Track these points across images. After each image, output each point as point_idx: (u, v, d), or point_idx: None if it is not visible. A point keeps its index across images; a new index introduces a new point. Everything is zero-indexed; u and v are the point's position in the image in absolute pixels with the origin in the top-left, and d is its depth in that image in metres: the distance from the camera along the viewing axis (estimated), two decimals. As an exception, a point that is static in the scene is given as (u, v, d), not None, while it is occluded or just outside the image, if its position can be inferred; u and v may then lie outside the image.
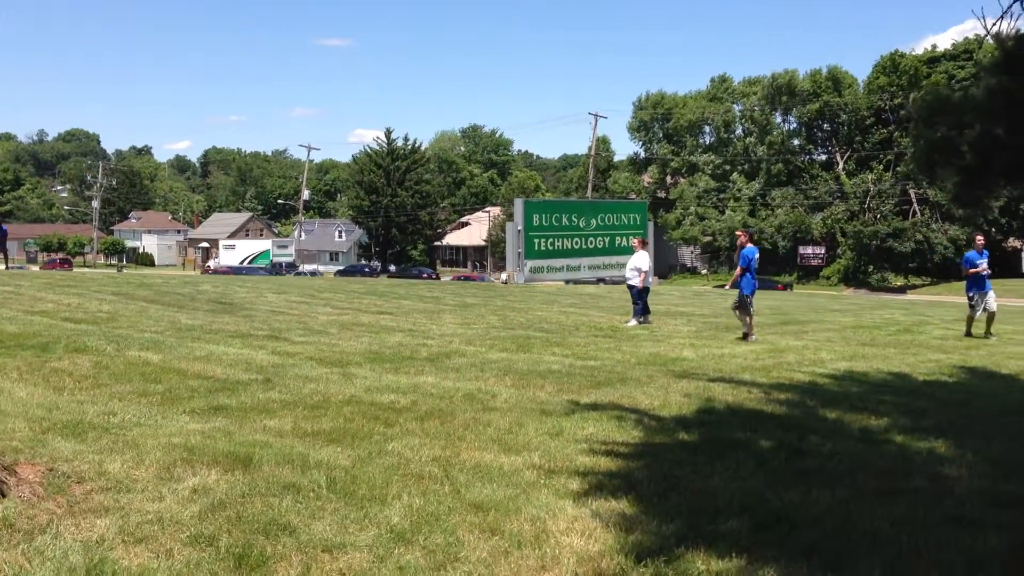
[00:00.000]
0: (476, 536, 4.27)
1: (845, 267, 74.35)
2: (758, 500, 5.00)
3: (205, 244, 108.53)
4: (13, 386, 7.67)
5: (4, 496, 4.35)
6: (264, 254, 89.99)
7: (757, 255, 15.43)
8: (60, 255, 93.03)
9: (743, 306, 14.74)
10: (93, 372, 8.58)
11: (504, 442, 6.25)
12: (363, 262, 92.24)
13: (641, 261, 17.60)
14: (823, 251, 77.10)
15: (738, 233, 16.72)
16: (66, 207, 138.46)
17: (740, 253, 15.32)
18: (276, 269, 79.63)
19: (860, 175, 76.37)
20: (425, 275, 73.25)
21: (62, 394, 7.49)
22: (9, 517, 4.13)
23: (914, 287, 70.06)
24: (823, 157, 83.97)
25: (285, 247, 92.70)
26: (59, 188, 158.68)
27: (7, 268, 26.48)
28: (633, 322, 17.04)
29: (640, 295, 17.39)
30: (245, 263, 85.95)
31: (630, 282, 17.57)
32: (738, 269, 15.12)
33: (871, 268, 72.92)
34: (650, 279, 17.92)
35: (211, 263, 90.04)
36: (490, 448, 6.06)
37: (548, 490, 5.09)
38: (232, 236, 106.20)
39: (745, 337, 14.57)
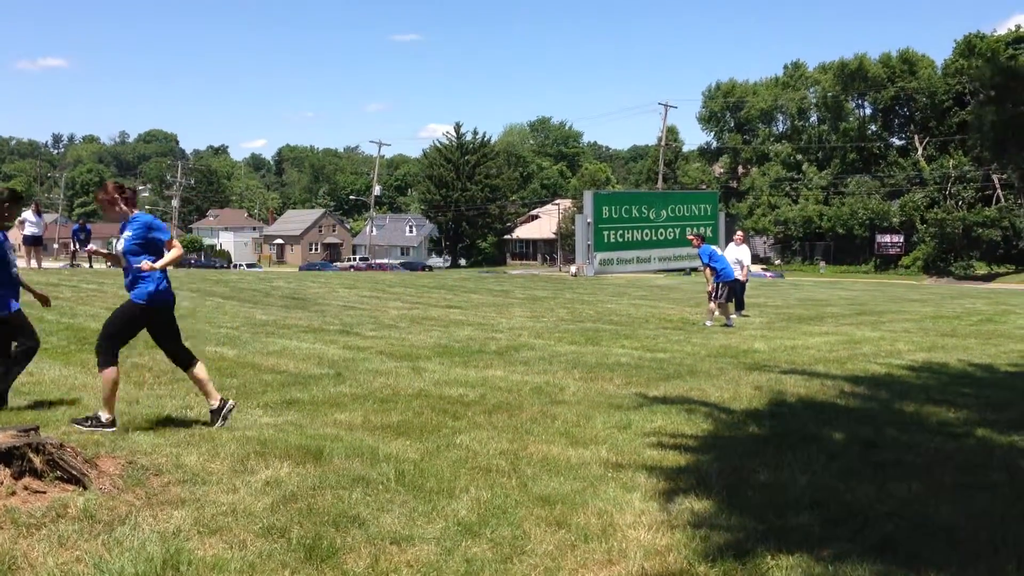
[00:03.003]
0: (543, 529, 4.28)
1: (925, 255, 72.32)
2: (831, 494, 4.90)
3: (280, 241, 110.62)
4: (95, 381, 7.90)
5: (86, 488, 4.50)
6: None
7: (712, 248, 16.00)
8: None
9: (725, 295, 15.27)
10: (171, 367, 8.79)
11: (572, 435, 6.25)
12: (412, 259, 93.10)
13: (742, 255, 17.49)
14: (901, 239, 75.09)
15: (689, 238, 17.39)
16: (147, 206, 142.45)
17: (699, 255, 15.99)
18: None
19: (939, 160, 74.19)
20: (421, 267, 74.23)
21: (142, 389, 7.72)
22: (90, 508, 4.27)
23: (999, 275, 67.78)
24: (900, 143, 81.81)
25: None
26: (140, 188, 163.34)
27: (91, 266, 27.34)
28: (735, 316, 16.92)
29: (741, 288, 17.29)
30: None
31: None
32: (707, 270, 15.65)
33: (953, 256, 70.82)
34: (749, 274, 17.86)
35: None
36: (557, 441, 6.06)
37: (615, 484, 5.07)
38: (305, 232, 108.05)
39: (726, 324, 15.18)
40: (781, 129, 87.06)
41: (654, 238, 30.19)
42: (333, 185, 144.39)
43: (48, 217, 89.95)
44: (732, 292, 15.62)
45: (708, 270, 15.48)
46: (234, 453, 5.42)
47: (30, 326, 6.79)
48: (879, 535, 4.26)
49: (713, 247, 16.11)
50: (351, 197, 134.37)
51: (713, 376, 9.06)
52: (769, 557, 3.94)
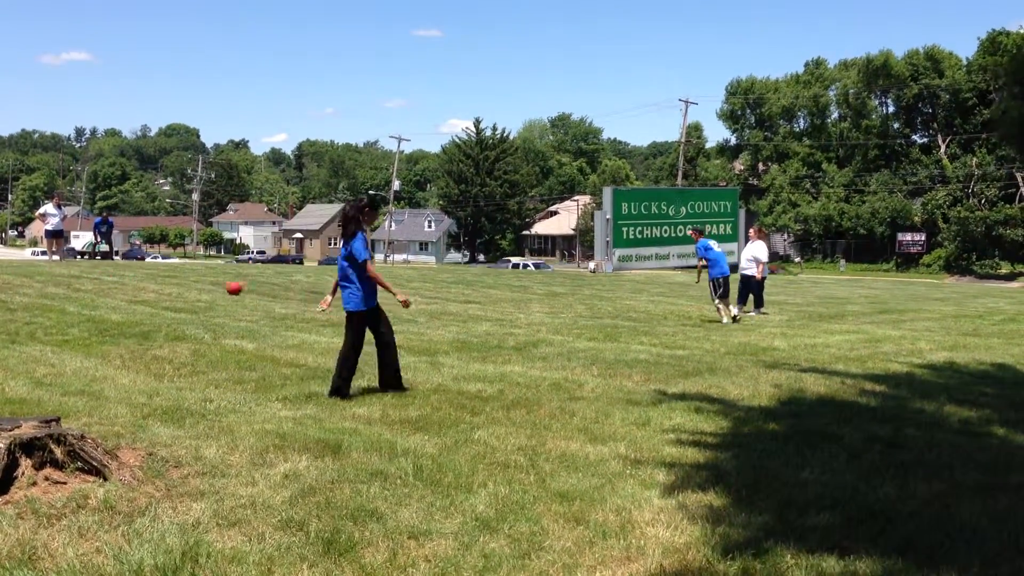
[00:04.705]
0: (561, 525, 4.27)
1: (947, 254, 71.70)
2: (851, 493, 4.86)
3: (299, 235, 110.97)
4: (116, 373, 7.98)
5: (106, 479, 4.53)
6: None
7: (709, 243, 16.06)
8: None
9: (721, 291, 15.47)
10: (191, 360, 8.87)
11: (590, 431, 6.23)
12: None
13: (759, 251, 17.32)
14: (923, 238, 74.48)
15: (689, 232, 17.74)
16: (168, 200, 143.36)
17: (696, 249, 16.26)
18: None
19: (962, 158, 73.51)
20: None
21: (162, 381, 7.76)
22: (110, 500, 4.30)
23: (1022, 274, 67.10)
24: (923, 140, 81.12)
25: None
26: (161, 182, 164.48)
27: (113, 259, 27.55)
28: (754, 313, 16.84)
29: (759, 285, 17.17)
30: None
31: (746, 272, 17.32)
32: (701, 262, 15.87)
33: (975, 255, 70.18)
34: (767, 270, 17.71)
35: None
36: (576, 437, 6.04)
37: (634, 480, 5.05)
38: (325, 227, 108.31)
39: (734, 320, 15.37)
40: (802, 126, 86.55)
41: (673, 235, 30.05)
42: (352, 180, 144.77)
43: (70, 210, 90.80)
44: (727, 288, 15.66)
45: (702, 263, 15.75)
46: (253, 446, 5.44)
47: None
48: (900, 535, 4.22)
49: (710, 242, 16.11)
50: (370, 192, 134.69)
51: (732, 373, 9.01)
52: (789, 556, 3.91)
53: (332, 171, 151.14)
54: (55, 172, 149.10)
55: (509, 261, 70.78)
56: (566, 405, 7.15)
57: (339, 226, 7.65)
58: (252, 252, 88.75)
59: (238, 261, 74.59)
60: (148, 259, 63.58)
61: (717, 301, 15.38)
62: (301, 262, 72.72)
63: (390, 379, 7.66)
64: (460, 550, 3.93)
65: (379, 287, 7.57)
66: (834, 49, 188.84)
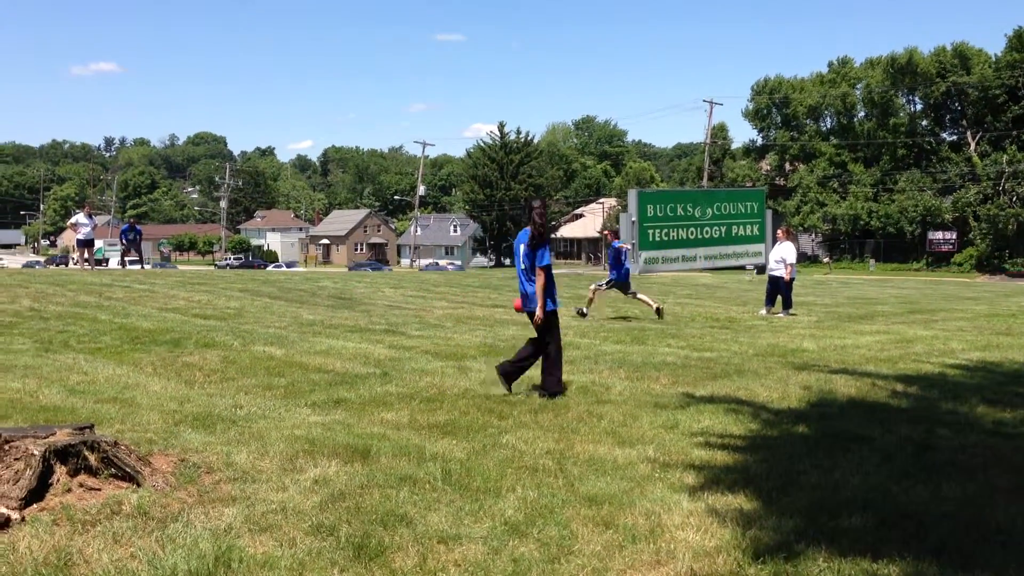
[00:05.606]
0: (590, 529, 4.26)
1: (979, 253, 70.86)
2: (883, 496, 4.82)
3: (325, 241, 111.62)
4: (148, 380, 8.06)
5: (139, 485, 4.58)
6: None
7: (622, 247, 16.63)
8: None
9: (605, 287, 16.28)
10: (221, 366, 8.94)
11: (618, 435, 6.22)
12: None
13: (787, 252, 17.20)
14: (954, 236, 73.67)
15: (604, 232, 18.49)
16: (196, 208, 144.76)
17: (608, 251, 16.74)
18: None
19: (993, 156, 72.62)
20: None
21: (193, 387, 7.83)
22: (144, 505, 4.34)
23: (1057, 273, 66.25)
24: (952, 138, 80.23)
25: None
26: (190, 190, 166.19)
27: (142, 267, 27.81)
28: (782, 314, 16.73)
29: (787, 286, 17.05)
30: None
31: (774, 273, 17.21)
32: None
33: (1007, 253, 69.27)
34: (795, 271, 17.53)
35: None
36: (604, 441, 6.03)
37: (663, 484, 5.04)
38: (351, 232, 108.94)
39: (657, 312, 15.91)
40: (829, 125, 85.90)
41: (700, 236, 29.84)
42: (377, 185, 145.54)
43: (100, 219, 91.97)
44: (617, 288, 16.17)
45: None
46: (283, 451, 5.47)
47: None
48: (934, 538, 4.17)
49: (625, 247, 16.52)
50: (395, 197, 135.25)
51: (761, 375, 8.96)
52: (821, 559, 3.88)
53: (357, 177, 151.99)
54: (86, 182, 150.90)
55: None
56: (593, 408, 7.14)
57: (537, 233, 7.59)
58: (229, 259, 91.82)
59: (218, 267, 76.14)
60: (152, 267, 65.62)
61: (599, 285, 16.31)
62: (264, 267, 77.09)
63: (511, 372, 7.82)
64: (490, 554, 3.93)
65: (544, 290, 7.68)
66: (859, 47, 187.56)
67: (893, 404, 7.54)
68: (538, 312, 7.60)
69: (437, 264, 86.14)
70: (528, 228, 7.69)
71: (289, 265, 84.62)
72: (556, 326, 7.82)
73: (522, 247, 7.71)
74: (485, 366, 9.34)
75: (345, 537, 4.07)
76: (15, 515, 4.09)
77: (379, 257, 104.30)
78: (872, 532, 4.25)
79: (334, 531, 4.15)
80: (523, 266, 7.73)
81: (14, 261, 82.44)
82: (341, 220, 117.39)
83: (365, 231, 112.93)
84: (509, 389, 7.75)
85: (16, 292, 15.71)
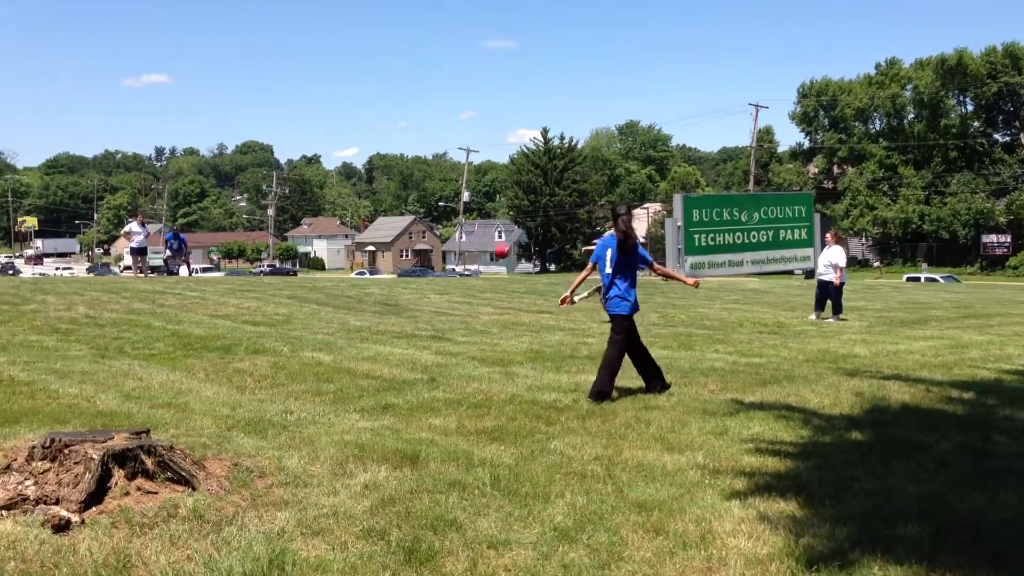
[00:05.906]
0: (640, 536, 4.25)
1: (1035, 256, 69.31)
2: (940, 504, 4.74)
3: (371, 248, 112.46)
4: (201, 386, 8.19)
5: (195, 489, 4.66)
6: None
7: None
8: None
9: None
10: (271, 372, 9.05)
11: (667, 441, 6.19)
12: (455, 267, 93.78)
13: (836, 256, 16.96)
14: (1009, 239, 72.07)
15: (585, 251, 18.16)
16: (244, 216, 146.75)
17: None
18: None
19: (1048, 157, 71.08)
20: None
21: (244, 393, 7.94)
22: (199, 509, 4.42)
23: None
24: (1005, 139, 78.58)
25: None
26: (238, 198, 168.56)
27: (190, 275, 28.24)
28: (832, 319, 16.52)
29: (837, 291, 16.83)
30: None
31: (824, 278, 16.99)
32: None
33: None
34: (845, 276, 17.25)
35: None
36: (652, 447, 6.00)
37: (713, 490, 5.00)
38: (396, 239, 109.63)
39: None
40: (878, 127, 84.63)
41: (747, 241, 29.58)
42: (422, 192, 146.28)
43: (152, 227, 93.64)
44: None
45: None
46: (333, 456, 5.53)
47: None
48: (992, 546, 4.09)
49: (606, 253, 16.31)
50: (440, 203, 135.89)
51: (811, 381, 8.85)
52: (876, 568, 3.83)
53: (402, 184, 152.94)
54: (137, 191, 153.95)
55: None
56: (641, 414, 7.11)
57: (624, 237, 8.13)
58: (262, 266, 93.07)
59: (252, 274, 77.24)
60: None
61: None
62: (295, 274, 78.53)
63: (645, 375, 8.27)
64: (539, 560, 3.93)
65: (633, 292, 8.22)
66: (905, 48, 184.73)
67: (948, 410, 7.41)
68: (688, 280, 9.22)
69: (479, 271, 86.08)
70: (613, 233, 8.21)
71: (372, 272, 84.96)
72: (625, 331, 8.11)
73: (609, 251, 8.16)
74: (532, 372, 9.35)
75: (396, 541, 4.10)
76: (75, 517, 4.18)
77: (424, 263, 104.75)
78: (928, 540, 4.17)
79: (385, 535, 4.18)
80: (608, 269, 8.13)
81: (80, 269, 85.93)
82: (386, 227, 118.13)
83: (410, 237, 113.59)
84: (665, 384, 8.22)
85: (72, 299, 16.05)
